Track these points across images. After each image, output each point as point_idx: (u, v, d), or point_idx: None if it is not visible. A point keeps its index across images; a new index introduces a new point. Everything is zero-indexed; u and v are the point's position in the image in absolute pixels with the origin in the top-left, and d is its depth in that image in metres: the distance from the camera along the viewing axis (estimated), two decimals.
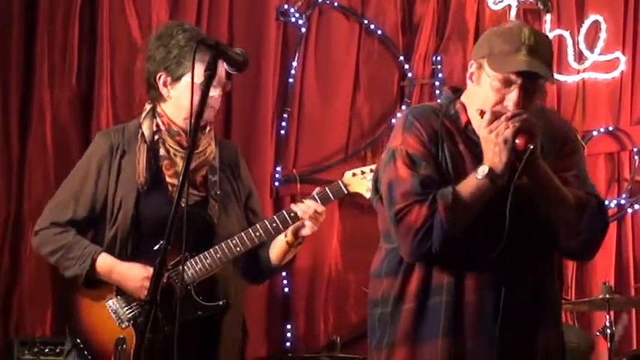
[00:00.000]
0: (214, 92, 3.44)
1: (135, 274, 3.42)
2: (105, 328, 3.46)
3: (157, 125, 3.54)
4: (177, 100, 3.51)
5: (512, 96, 2.69)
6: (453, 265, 2.73)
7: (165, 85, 3.52)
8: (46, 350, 4.63)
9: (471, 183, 2.69)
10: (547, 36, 2.90)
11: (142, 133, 3.54)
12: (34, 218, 4.95)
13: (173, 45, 3.49)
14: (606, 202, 5.64)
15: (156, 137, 3.53)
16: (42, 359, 4.63)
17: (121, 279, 3.44)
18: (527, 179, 2.69)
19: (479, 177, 2.67)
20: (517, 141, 2.63)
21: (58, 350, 4.61)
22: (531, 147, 2.62)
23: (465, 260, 2.72)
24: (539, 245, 2.78)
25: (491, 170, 2.66)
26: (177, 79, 3.50)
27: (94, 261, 3.45)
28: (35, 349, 4.63)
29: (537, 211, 2.73)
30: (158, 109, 3.55)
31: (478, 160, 2.71)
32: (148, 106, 3.60)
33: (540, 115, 2.82)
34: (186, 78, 3.47)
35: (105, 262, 3.46)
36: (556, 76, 5.76)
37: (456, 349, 2.71)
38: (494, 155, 2.66)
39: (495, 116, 2.67)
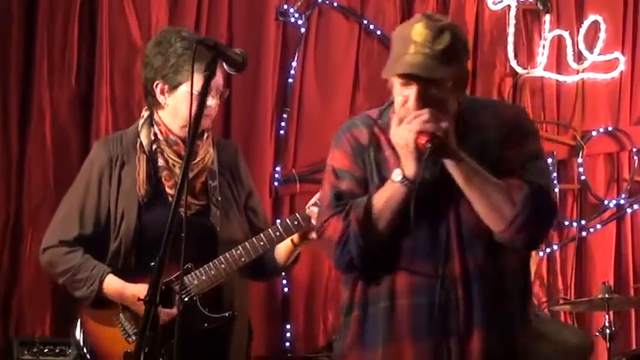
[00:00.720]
0: (211, 102, 3.42)
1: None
2: (113, 342, 3.44)
3: (155, 134, 3.52)
4: (175, 108, 3.49)
5: (410, 98, 2.66)
6: (385, 271, 2.72)
7: (162, 92, 3.49)
8: (46, 350, 4.63)
9: (387, 188, 2.69)
10: (450, 25, 2.71)
11: (141, 143, 3.52)
12: (33, 218, 4.99)
13: (171, 53, 3.46)
14: (606, 203, 5.69)
15: (154, 147, 3.50)
16: (41, 359, 4.62)
17: (130, 302, 3.42)
18: (453, 175, 2.66)
19: (393, 181, 2.67)
20: (421, 142, 2.60)
21: (57, 350, 4.61)
22: (429, 147, 2.59)
23: (397, 264, 2.70)
24: (479, 241, 2.70)
25: (403, 174, 2.65)
26: (174, 87, 3.47)
27: (101, 282, 3.44)
28: (35, 349, 4.62)
29: (471, 207, 2.69)
30: (155, 117, 3.53)
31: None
32: (145, 113, 3.57)
33: (490, 108, 2.82)
34: (184, 87, 3.45)
35: (113, 284, 3.44)
36: (556, 76, 5.78)
37: (396, 356, 2.69)
38: (403, 159, 2.66)
39: (401, 120, 2.66)
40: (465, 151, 2.67)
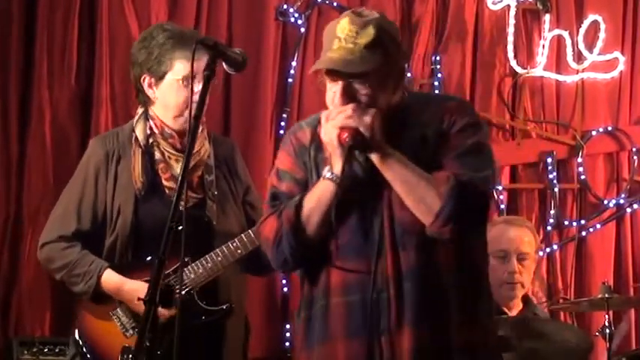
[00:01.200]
0: (197, 87, 3.44)
1: (141, 294, 3.40)
2: (111, 337, 3.45)
3: (150, 128, 3.53)
4: (164, 99, 3.51)
5: (336, 94, 2.67)
6: (322, 269, 2.73)
7: (150, 86, 3.52)
8: (46, 350, 4.63)
9: (318, 186, 2.70)
10: (376, 19, 2.68)
11: (136, 137, 3.53)
12: (33, 218, 4.99)
13: (154, 45, 3.49)
14: (605, 202, 5.69)
15: (150, 140, 3.52)
16: (41, 359, 4.62)
17: (128, 299, 3.43)
18: (380, 170, 2.65)
19: (323, 178, 2.68)
20: (343, 137, 2.60)
21: (57, 350, 4.61)
22: (349, 142, 2.59)
23: (331, 262, 2.71)
24: (412, 237, 2.68)
25: (332, 171, 2.66)
26: (160, 78, 3.49)
27: (99, 278, 3.45)
28: (34, 349, 4.62)
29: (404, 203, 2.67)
30: (150, 112, 3.55)
31: None
32: (139, 110, 3.59)
33: (433, 102, 2.81)
34: (170, 76, 3.47)
35: (111, 279, 3.45)
36: (555, 76, 5.77)
37: (330, 356, 2.69)
38: (330, 156, 2.67)
39: (327, 117, 2.67)
40: (403, 147, 2.66)
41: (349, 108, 2.62)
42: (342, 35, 2.64)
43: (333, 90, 2.67)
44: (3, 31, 5.19)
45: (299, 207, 2.70)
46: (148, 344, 2.37)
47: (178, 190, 2.52)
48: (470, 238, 2.73)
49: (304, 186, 2.77)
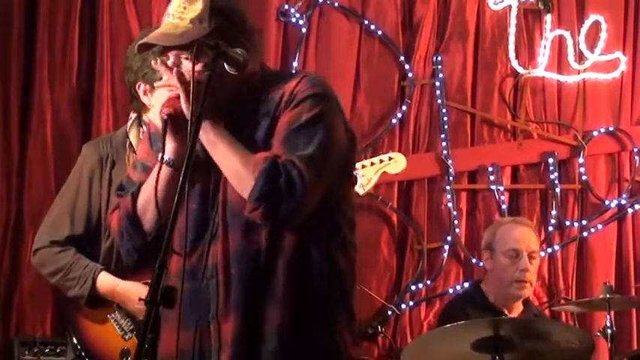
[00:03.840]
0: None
1: (136, 295, 3.39)
2: (108, 340, 3.45)
3: (144, 133, 3.53)
4: (158, 106, 3.50)
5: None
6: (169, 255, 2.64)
7: (145, 93, 3.51)
8: (47, 350, 4.63)
9: (154, 170, 2.62)
10: None
11: (130, 143, 3.53)
12: (34, 219, 4.98)
13: (149, 52, 3.48)
14: (607, 203, 5.69)
15: None
16: (42, 359, 4.62)
17: (122, 300, 3.44)
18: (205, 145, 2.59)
19: (159, 162, 2.62)
20: (161, 114, 2.57)
21: (58, 350, 4.60)
22: (164, 116, 2.55)
23: (172, 247, 2.62)
24: (238, 220, 2.61)
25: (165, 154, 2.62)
26: (154, 85, 3.49)
27: (94, 280, 3.45)
28: (35, 350, 4.62)
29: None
30: (144, 118, 3.55)
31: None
32: (133, 115, 3.59)
33: (282, 79, 2.70)
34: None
35: (106, 281, 3.45)
36: (557, 76, 5.77)
37: (168, 341, 2.61)
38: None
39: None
40: (242, 125, 2.62)
41: (171, 82, 2.60)
42: (172, 12, 2.64)
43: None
44: (4, 31, 5.18)
45: (136, 194, 2.66)
46: (149, 345, 2.36)
47: (179, 191, 2.51)
48: (290, 223, 2.60)
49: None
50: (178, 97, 2.58)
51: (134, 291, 3.40)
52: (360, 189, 3.61)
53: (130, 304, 3.41)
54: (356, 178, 3.02)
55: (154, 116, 3.52)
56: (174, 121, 2.57)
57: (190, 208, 2.64)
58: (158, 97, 3.49)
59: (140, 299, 2.83)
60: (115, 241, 2.76)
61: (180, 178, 2.42)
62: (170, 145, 2.61)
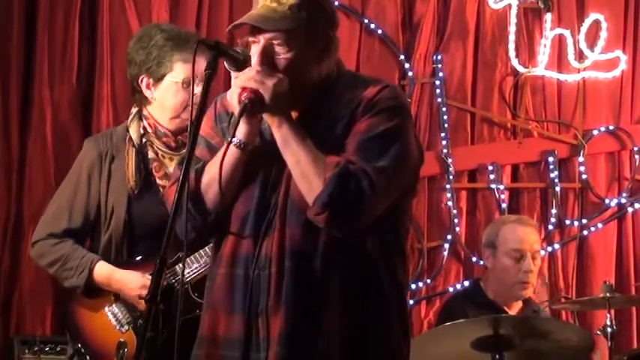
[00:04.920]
0: (197, 89, 3.44)
1: (132, 283, 3.41)
2: (105, 332, 3.45)
3: (144, 128, 3.54)
4: (161, 100, 3.51)
5: (254, 54, 2.59)
6: (221, 237, 2.66)
7: (148, 87, 3.52)
8: (47, 349, 4.63)
9: (222, 150, 2.60)
10: None
11: (130, 137, 3.54)
12: (34, 217, 4.98)
13: (152, 46, 3.50)
14: (607, 201, 5.69)
15: (144, 140, 3.53)
16: (42, 358, 4.63)
17: (119, 288, 3.45)
18: (275, 138, 2.57)
19: (227, 142, 2.60)
20: (241, 97, 2.54)
21: (58, 349, 4.61)
22: (245, 102, 2.52)
23: (229, 231, 2.63)
24: (300, 216, 2.57)
25: (236, 135, 2.59)
26: (159, 79, 3.50)
27: (91, 271, 3.46)
28: (36, 348, 4.62)
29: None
30: (144, 112, 3.56)
31: None
32: (134, 110, 3.60)
33: (363, 84, 2.66)
34: (169, 77, 3.48)
35: (103, 270, 3.46)
36: (557, 75, 5.77)
37: (213, 326, 2.62)
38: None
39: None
40: (317, 123, 2.60)
41: (254, 69, 2.56)
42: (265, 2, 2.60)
43: (253, 52, 2.61)
44: (4, 30, 5.19)
45: (200, 171, 2.63)
46: (148, 344, 2.36)
47: (180, 188, 2.52)
48: (350, 231, 2.57)
49: (214, 148, 2.70)
50: (251, 83, 2.56)
51: (130, 278, 3.41)
52: None
53: (126, 292, 3.42)
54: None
55: (157, 111, 3.53)
56: (253, 105, 2.54)
57: (254, 194, 2.62)
58: (162, 92, 3.50)
59: (140, 297, 2.84)
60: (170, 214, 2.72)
61: (181, 177, 2.42)
62: (243, 128, 2.58)
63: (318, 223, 2.54)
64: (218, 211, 2.63)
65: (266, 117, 2.60)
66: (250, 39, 2.62)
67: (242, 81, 2.56)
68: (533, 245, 4.61)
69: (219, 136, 2.72)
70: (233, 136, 2.58)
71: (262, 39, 2.59)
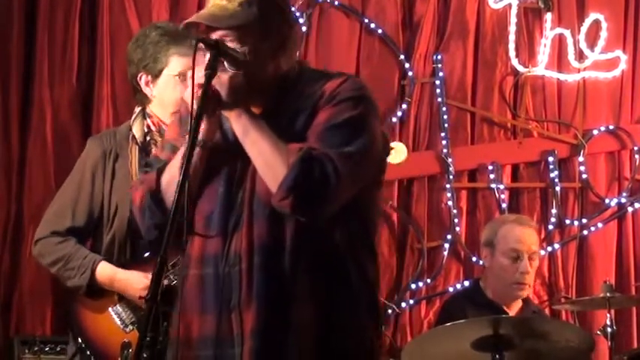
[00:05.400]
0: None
1: (135, 284, 3.42)
2: (109, 332, 3.45)
3: (148, 126, 3.55)
4: (161, 96, 3.53)
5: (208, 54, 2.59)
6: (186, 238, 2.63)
7: (147, 84, 3.54)
8: (47, 349, 4.63)
9: (182, 149, 2.60)
10: None
11: (133, 135, 3.54)
12: (34, 217, 4.98)
13: (148, 43, 3.52)
14: (607, 201, 5.69)
15: (147, 138, 3.54)
16: (43, 358, 4.62)
17: (122, 288, 3.45)
18: (235, 131, 2.59)
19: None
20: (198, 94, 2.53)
21: (58, 349, 4.60)
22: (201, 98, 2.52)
23: (194, 231, 2.63)
24: (265, 211, 2.57)
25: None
26: (156, 76, 3.52)
27: (93, 271, 3.45)
28: (36, 348, 4.62)
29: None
30: (147, 110, 3.57)
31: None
32: (137, 109, 3.61)
33: (324, 78, 2.68)
34: (166, 72, 3.50)
35: (105, 271, 3.46)
36: (557, 74, 5.77)
37: (186, 327, 2.61)
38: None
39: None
40: (279, 117, 2.60)
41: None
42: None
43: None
44: (4, 30, 5.19)
45: (161, 171, 2.65)
46: (149, 344, 2.36)
47: (180, 186, 2.51)
48: (316, 217, 2.56)
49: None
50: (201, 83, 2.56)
51: (133, 279, 3.41)
52: None
53: (129, 292, 3.42)
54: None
55: (158, 109, 3.54)
56: (210, 103, 2.55)
57: (218, 192, 2.63)
58: (160, 87, 3.51)
59: (140, 297, 2.83)
60: (136, 216, 2.72)
61: (181, 175, 2.42)
62: (202, 127, 2.58)
63: (283, 209, 2.53)
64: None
65: (225, 112, 2.61)
66: (204, 38, 2.62)
67: (197, 78, 2.56)
68: (531, 246, 4.61)
69: (184, 140, 2.69)
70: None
71: (214, 37, 2.60)
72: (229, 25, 2.58)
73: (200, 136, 2.57)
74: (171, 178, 2.62)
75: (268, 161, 2.54)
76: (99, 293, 3.49)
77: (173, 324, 2.66)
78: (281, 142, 2.55)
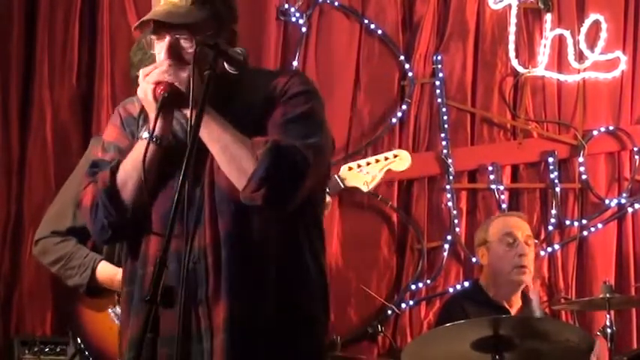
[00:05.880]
0: None
1: None
2: (109, 333, 3.45)
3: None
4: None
5: (162, 50, 2.62)
6: (142, 236, 2.64)
7: None
8: (47, 350, 4.63)
9: (136, 147, 2.62)
10: None
11: None
12: (34, 218, 4.98)
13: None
14: (607, 202, 5.69)
15: None
16: (42, 358, 4.62)
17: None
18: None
19: (140, 138, 2.62)
20: (158, 91, 2.55)
21: (58, 350, 4.60)
22: (164, 95, 2.54)
23: (151, 228, 2.63)
24: (230, 205, 2.59)
25: (149, 130, 2.59)
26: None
27: (94, 270, 3.46)
28: (36, 349, 4.62)
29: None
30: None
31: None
32: None
33: (268, 74, 2.76)
34: None
35: (105, 270, 3.46)
36: (557, 75, 5.77)
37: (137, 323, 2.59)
38: (149, 115, 2.61)
39: (145, 75, 2.63)
40: (229, 112, 2.61)
41: (165, 63, 2.59)
42: None
43: (159, 48, 2.64)
44: (4, 30, 5.19)
45: (115, 169, 2.63)
46: (149, 344, 2.36)
47: (180, 188, 2.51)
48: (287, 207, 2.60)
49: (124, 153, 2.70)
50: (166, 76, 2.57)
51: None
52: (364, 186, 3.58)
53: None
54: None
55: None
56: (170, 98, 2.56)
57: (174, 191, 2.54)
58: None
59: (143, 299, 2.83)
60: (85, 217, 2.69)
61: (181, 177, 2.41)
62: (155, 123, 2.57)
63: (255, 201, 2.54)
64: (135, 207, 2.62)
65: (185, 110, 2.58)
66: (154, 36, 2.65)
67: (156, 76, 2.58)
68: (525, 231, 4.63)
69: (128, 140, 2.73)
70: (153, 132, 2.57)
71: (168, 35, 2.62)
72: (184, 22, 2.61)
73: (156, 133, 2.58)
74: (126, 176, 2.62)
75: (235, 155, 2.56)
76: (99, 293, 3.49)
77: (131, 325, 2.65)
78: (245, 137, 2.57)
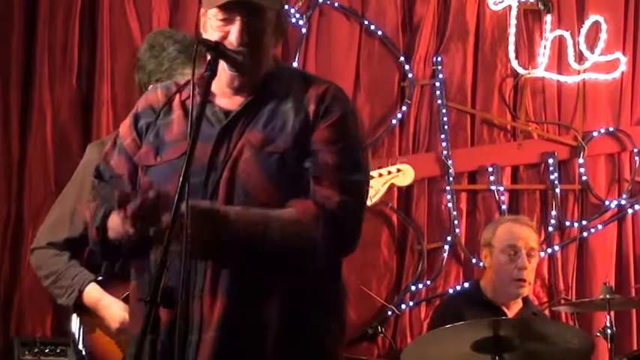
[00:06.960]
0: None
1: (113, 315, 3.41)
2: (109, 342, 3.44)
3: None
4: None
5: (234, 30, 2.58)
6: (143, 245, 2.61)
7: None
8: (47, 350, 4.63)
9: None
10: None
11: None
12: (34, 218, 4.99)
13: (164, 57, 3.45)
14: (607, 203, 5.69)
15: None
16: (42, 359, 4.62)
17: (103, 316, 3.43)
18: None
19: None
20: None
21: (58, 350, 4.61)
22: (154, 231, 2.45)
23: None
24: None
25: None
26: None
27: (81, 292, 3.44)
28: (36, 350, 4.62)
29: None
30: None
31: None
32: None
33: (300, 76, 2.73)
34: None
35: (92, 295, 3.43)
36: (557, 76, 5.77)
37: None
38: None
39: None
40: (259, 116, 2.59)
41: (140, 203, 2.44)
42: None
43: (225, 30, 2.60)
44: (4, 31, 5.19)
45: (104, 220, 2.59)
46: (149, 345, 2.36)
47: (179, 191, 2.51)
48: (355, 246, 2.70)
49: (128, 156, 2.69)
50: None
51: (113, 310, 3.39)
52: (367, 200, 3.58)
53: (107, 321, 3.41)
54: None
55: (160, 87, 3.51)
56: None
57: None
58: None
59: (140, 299, 2.82)
60: (89, 236, 2.69)
61: (181, 177, 2.41)
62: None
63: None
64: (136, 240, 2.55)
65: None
66: (222, 16, 2.61)
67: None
68: (529, 242, 4.61)
69: (133, 133, 2.71)
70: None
71: (240, 15, 2.58)
72: (268, 6, 2.60)
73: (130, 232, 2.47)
74: (115, 230, 2.56)
75: (290, 249, 2.54)
76: (88, 312, 3.47)
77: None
78: (285, 215, 2.52)
